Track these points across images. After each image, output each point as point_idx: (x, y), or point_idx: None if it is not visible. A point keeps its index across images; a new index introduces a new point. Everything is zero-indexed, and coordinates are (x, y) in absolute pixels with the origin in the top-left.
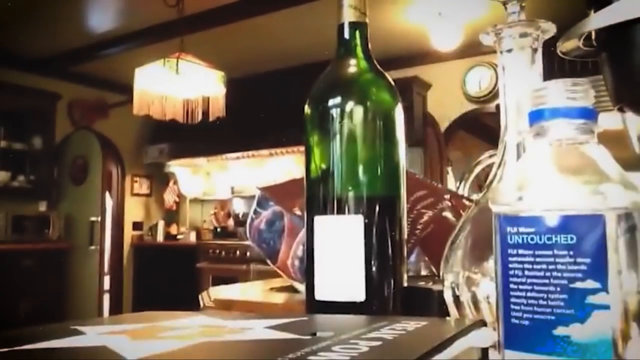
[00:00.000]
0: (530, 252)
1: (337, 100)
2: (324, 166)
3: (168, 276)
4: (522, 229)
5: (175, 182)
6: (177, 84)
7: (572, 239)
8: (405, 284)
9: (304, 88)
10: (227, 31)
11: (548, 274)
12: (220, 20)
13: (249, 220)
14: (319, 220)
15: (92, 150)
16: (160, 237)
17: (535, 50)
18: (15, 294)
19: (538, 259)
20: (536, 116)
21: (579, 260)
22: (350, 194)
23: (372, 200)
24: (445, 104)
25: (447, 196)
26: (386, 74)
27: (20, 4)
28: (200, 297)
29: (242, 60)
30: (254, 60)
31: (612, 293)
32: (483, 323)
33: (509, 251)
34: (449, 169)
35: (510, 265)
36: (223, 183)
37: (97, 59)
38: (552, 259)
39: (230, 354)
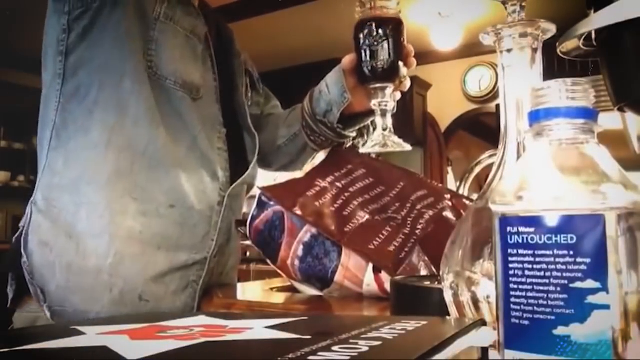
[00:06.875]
0: (530, 252)
1: None
2: None
3: None
4: (522, 229)
5: None
6: None
7: (572, 239)
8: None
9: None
10: None
11: (548, 274)
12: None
13: (249, 220)
14: None
15: None
16: None
17: (535, 50)
18: None
19: (538, 259)
20: (536, 116)
21: (579, 260)
22: None
23: None
24: (445, 104)
25: (447, 196)
26: None
27: (20, 3)
28: None
29: None
30: (255, 60)
31: (612, 293)
32: (483, 323)
33: (509, 251)
34: (449, 169)
35: (510, 265)
36: None
37: None
38: (552, 259)
39: (230, 354)
